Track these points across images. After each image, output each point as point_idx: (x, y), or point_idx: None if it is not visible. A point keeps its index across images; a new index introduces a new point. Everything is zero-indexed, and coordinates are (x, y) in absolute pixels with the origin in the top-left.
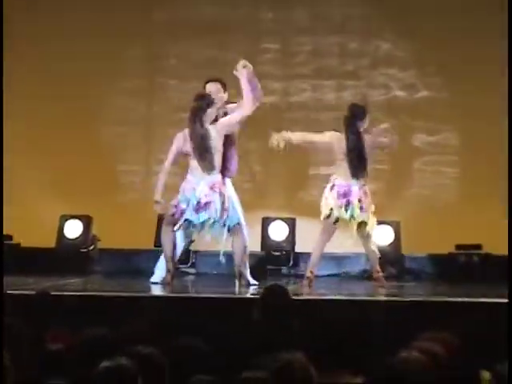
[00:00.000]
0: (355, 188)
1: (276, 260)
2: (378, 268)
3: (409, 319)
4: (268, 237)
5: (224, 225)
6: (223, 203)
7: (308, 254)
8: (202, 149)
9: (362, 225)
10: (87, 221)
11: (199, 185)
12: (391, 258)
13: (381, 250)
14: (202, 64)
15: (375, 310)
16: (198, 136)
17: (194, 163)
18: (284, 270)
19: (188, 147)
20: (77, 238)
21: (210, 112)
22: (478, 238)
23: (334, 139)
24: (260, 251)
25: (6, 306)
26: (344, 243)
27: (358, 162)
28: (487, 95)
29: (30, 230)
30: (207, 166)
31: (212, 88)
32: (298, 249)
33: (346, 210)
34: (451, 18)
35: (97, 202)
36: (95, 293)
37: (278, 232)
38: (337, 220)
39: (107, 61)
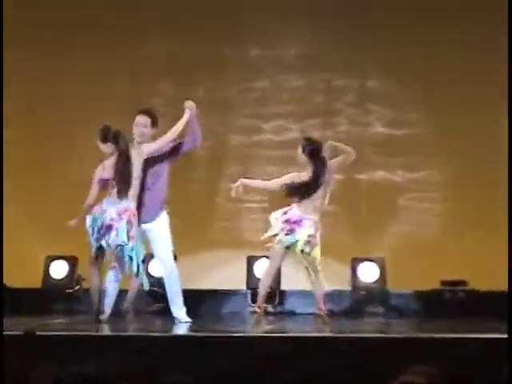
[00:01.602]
0: (308, 222)
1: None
2: (322, 305)
3: (395, 355)
4: (253, 275)
5: (130, 257)
6: (128, 232)
7: (295, 292)
8: (121, 173)
9: (309, 257)
10: (73, 261)
11: (109, 210)
12: (376, 295)
13: (366, 286)
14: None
15: (361, 347)
16: (120, 159)
17: (112, 191)
18: (270, 308)
19: (105, 174)
20: (62, 279)
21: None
22: (464, 274)
23: (294, 179)
24: (245, 289)
25: None
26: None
27: (315, 195)
28: (472, 129)
29: (15, 270)
30: (121, 192)
31: (140, 120)
32: (283, 287)
33: (287, 235)
34: (437, 49)
35: (82, 242)
36: (81, 332)
37: (263, 270)
38: (287, 247)
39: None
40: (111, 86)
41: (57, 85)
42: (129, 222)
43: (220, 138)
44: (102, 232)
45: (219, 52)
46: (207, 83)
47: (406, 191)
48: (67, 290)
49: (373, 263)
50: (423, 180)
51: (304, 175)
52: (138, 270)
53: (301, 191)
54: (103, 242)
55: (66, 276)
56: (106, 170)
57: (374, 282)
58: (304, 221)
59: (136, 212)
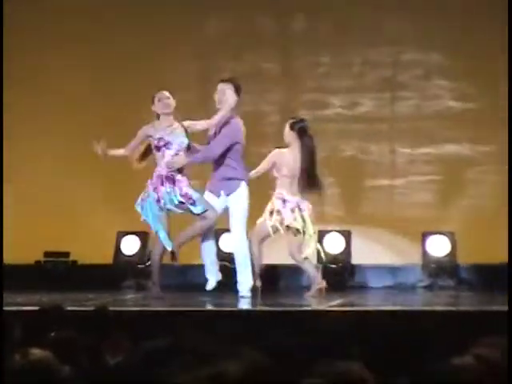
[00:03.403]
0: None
1: (332, 272)
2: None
3: (466, 328)
4: (324, 249)
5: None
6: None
7: (365, 266)
8: None
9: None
10: (144, 237)
11: None
12: (447, 268)
13: (437, 260)
14: (253, 76)
15: (431, 320)
16: None
17: None
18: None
19: None
20: (134, 255)
21: None
22: None
23: (276, 158)
24: (316, 263)
25: (66, 321)
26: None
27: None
28: None
29: (87, 246)
30: None
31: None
32: (354, 261)
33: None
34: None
35: None
36: (152, 308)
37: (334, 244)
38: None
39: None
40: (177, 63)
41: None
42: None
43: (289, 112)
44: None
45: (286, 26)
46: (274, 58)
47: (475, 164)
48: (138, 266)
49: (443, 237)
50: (491, 153)
51: (289, 153)
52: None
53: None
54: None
55: (138, 251)
56: None
57: (445, 256)
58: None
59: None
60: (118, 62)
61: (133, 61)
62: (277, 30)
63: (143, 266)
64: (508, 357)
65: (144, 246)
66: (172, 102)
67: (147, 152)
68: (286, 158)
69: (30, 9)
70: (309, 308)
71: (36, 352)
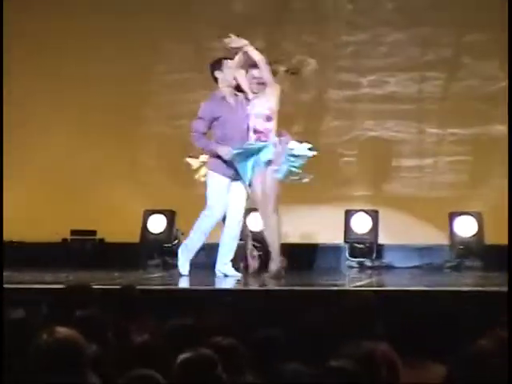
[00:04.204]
0: None
1: (359, 252)
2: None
3: (493, 309)
4: (351, 229)
5: None
6: None
7: (391, 246)
8: None
9: None
10: (171, 215)
11: None
12: (474, 249)
13: (464, 240)
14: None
15: (458, 301)
16: None
17: None
18: (367, 261)
19: None
20: (160, 233)
21: None
22: None
23: None
24: (343, 243)
25: (92, 299)
26: None
27: None
28: None
29: (114, 225)
30: None
31: None
32: (381, 241)
33: None
34: None
35: (181, 195)
36: (178, 286)
37: (361, 224)
38: None
39: None
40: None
41: None
42: None
43: (318, 92)
44: None
45: (314, 6)
46: (303, 38)
47: (503, 144)
48: (165, 245)
49: (470, 217)
50: None
51: None
52: None
53: None
54: None
55: (164, 230)
56: None
57: (472, 237)
58: None
59: None
60: (136, 37)
61: (149, 35)
62: (303, 9)
63: (170, 245)
64: (508, 337)
65: (170, 224)
66: None
67: None
68: None
69: None
70: (335, 288)
71: (62, 330)
